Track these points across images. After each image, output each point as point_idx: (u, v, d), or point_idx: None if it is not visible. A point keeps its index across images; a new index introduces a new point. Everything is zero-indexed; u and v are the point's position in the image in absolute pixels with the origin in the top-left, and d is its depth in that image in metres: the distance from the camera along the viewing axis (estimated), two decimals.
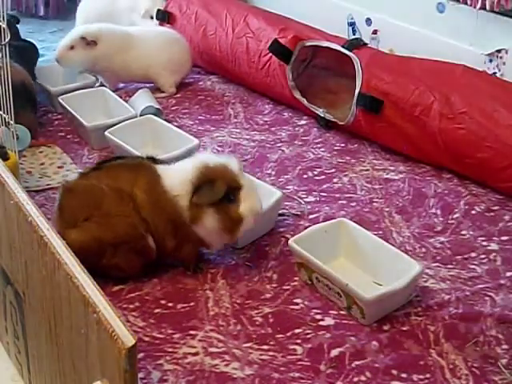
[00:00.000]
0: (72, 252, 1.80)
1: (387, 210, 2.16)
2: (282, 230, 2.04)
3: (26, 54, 2.65)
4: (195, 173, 1.75)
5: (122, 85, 2.90)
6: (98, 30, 2.72)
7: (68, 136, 2.55)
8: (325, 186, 2.28)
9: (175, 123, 2.58)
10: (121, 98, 2.64)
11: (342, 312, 1.76)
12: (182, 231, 1.79)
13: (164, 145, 2.37)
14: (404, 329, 1.71)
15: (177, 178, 1.78)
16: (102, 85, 2.78)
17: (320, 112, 2.60)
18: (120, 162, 1.88)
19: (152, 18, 3.08)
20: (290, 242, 1.84)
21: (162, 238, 1.81)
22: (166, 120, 2.52)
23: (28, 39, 2.80)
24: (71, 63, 2.70)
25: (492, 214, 2.15)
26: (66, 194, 1.83)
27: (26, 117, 2.34)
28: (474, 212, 2.15)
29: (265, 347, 1.66)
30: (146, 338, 1.67)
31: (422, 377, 1.59)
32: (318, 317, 1.75)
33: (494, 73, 2.54)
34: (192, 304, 1.78)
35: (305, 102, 2.64)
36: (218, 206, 1.75)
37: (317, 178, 2.32)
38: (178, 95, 2.85)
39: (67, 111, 2.55)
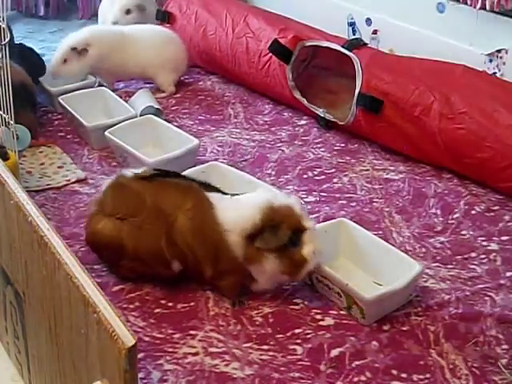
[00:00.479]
0: (91, 238, 1.82)
1: (387, 210, 2.16)
2: None
3: (26, 55, 2.64)
4: (259, 214, 1.67)
5: (121, 85, 2.90)
6: (85, 37, 2.69)
7: (68, 136, 2.55)
8: (325, 186, 2.28)
9: (175, 123, 2.58)
10: (121, 98, 2.64)
11: (342, 312, 1.76)
12: (225, 264, 1.72)
13: (164, 145, 2.38)
14: (404, 329, 1.71)
15: (234, 212, 1.70)
16: (101, 85, 2.78)
17: (320, 112, 2.60)
18: (173, 180, 1.82)
19: (128, 12, 3.04)
20: None
21: (199, 265, 1.75)
22: (166, 120, 2.52)
23: (24, 44, 2.78)
24: (68, 76, 2.69)
25: (492, 214, 2.15)
26: (116, 187, 1.83)
27: (25, 117, 2.34)
28: (473, 212, 2.15)
29: (265, 347, 1.66)
30: (146, 338, 1.67)
31: (422, 377, 1.59)
32: (318, 317, 1.75)
33: (494, 73, 2.54)
34: (192, 304, 1.78)
35: (305, 102, 2.64)
36: (280, 251, 1.67)
37: (317, 178, 2.32)
38: (178, 95, 2.85)
39: (67, 111, 2.55)
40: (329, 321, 1.74)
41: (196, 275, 1.79)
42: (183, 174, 1.95)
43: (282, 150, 2.48)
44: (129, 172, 1.84)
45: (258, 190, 1.83)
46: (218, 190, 1.81)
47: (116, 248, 1.78)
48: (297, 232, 1.67)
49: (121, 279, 1.85)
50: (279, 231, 1.66)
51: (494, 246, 2.01)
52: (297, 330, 1.71)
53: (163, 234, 1.74)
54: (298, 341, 1.67)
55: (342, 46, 2.57)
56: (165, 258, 1.75)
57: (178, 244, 1.74)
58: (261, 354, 1.64)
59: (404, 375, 1.59)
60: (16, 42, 2.74)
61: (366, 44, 2.63)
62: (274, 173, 2.34)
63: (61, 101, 2.56)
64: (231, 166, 2.23)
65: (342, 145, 2.52)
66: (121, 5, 3.04)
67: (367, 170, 2.37)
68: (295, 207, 1.69)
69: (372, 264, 1.84)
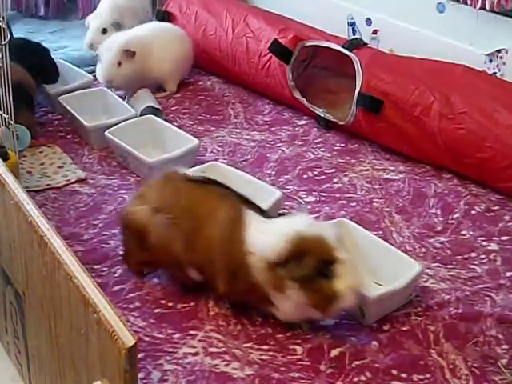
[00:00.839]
0: (122, 216, 1.86)
1: (387, 210, 2.16)
2: None
3: (39, 57, 2.62)
4: (286, 243, 1.57)
5: None
6: (136, 39, 2.67)
7: (68, 136, 2.55)
8: (325, 186, 2.28)
9: (175, 123, 2.57)
10: (121, 98, 2.64)
11: (342, 312, 1.75)
12: (241, 284, 1.66)
13: (164, 145, 2.38)
14: (404, 329, 1.71)
15: (262, 236, 1.63)
16: (95, 79, 2.75)
17: (320, 112, 2.60)
18: (214, 188, 1.76)
19: (104, 31, 2.94)
20: None
21: (214, 277, 1.70)
22: (166, 120, 2.52)
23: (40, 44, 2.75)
24: (123, 80, 2.64)
25: (492, 213, 2.15)
26: (163, 179, 1.81)
27: (24, 117, 2.32)
28: (473, 212, 2.15)
29: (265, 347, 1.66)
30: (146, 338, 1.67)
31: (421, 377, 1.59)
32: None
33: (494, 73, 2.54)
34: (192, 304, 1.78)
35: (305, 102, 2.64)
36: (307, 282, 1.57)
37: (317, 178, 2.32)
38: (178, 95, 2.85)
39: (67, 111, 2.55)
40: (329, 321, 1.73)
41: (209, 285, 1.75)
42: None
43: (282, 150, 2.48)
44: (181, 170, 1.82)
45: (295, 216, 1.71)
46: (259, 209, 1.73)
47: (139, 234, 1.77)
48: (328, 263, 1.57)
49: (131, 271, 1.85)
50: (305, 261, 1.56)
51: (493, 246, 2.01)
52: (297, 330, 1.70)
53: (184, 238, 1.71)
54: (298, 341, 1.67)
55: (342, 46, 2.57)
56: (181, 264, 1.73)
57: (199, 251, 1.69)
58: (261, 354, 1.64)
59: (404, 375, 1.59)
60: (32, 40, 2.72)
61: (365, 44, 2.63)
62: (273, 173, 2.34)
63: (61, 101, 2.56)
64: (231, 165, 2.23)
65: (342, 145, 2.52)
66: (96, 24, 2.98)
67: (367, 170, 2.37)
68: (328, 238, 1.59)
69: (372, 264, 1.84)
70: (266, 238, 1.62)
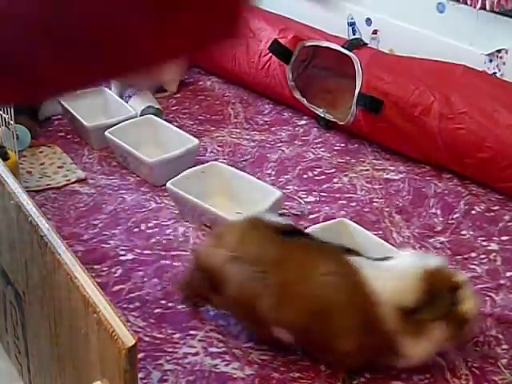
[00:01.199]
0: (198, 258, 1.70)
1: (387, 209, 2.16)
2: None
3: None
4: (420, 284, 1.49)
5: None
6: None
7: (68, 136, 2.54)
8: (325, 186, 2.27)
9: (175, 123, 2.57)
10: (121, 98, 2.64)
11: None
12: (374, 337, 1.52)
13: (164, 145, 2.37)
14: None
15: (390, 282, 1.51)
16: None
17: (320, 112, 2.60)
18: (307, 241, 1.62)
19: None
20: None
21: (329, 338, 1.55)
22: (165, 120, 2.52)
23: None
24: None
25: (492, 214, 2.15)
26: (247, 226, 1.64)
27: (24, 120, 2.31)
28: (474, 212, 2.15)
29: (265, 347, 1.66)
30: (146, 338, 1.67)
31: (421, 377, 1.59)
32: None
33: (494, 73, 2.54)
34: None
35: (305, 102, 2.64)
36: (445, 317, 1.50)
37: (317, 178, 2.32)
38: (178, 95, 2.85)
39: (67, 111, 2.55)
40: None
41: (313, 348, 1.62)
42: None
43: (282, 150, 2.47)
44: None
45: (403, 254, 1.64)
46: (357, 254, 1.61)
47: (213, 278, 1.62)
48: (455, 291, 1.52)
49: (185, 302, 1.76)
50: (439, 296, 1.50)
51: (493, 246, 2.00)
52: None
53: (273, 294, 1.54)
54: None
55: (342, 46, 2.57)
56: (264, 320, 1.57)
57: (295, 309, 1.54)
58: (261, 354, 1.64)
59: (404, 375, 1.59)
60: None
61: (365, 44, 2.63)
62: (274, 173, 2.34)
63: (61, 101, 2.56)
64: (231, 165, 2.23)
65: (342, 145, 2.52)
66: None
67: (367, 170, 2.37)
68: (445, 265, 1.56)
69: None
70: (394, 283, 1.51)
